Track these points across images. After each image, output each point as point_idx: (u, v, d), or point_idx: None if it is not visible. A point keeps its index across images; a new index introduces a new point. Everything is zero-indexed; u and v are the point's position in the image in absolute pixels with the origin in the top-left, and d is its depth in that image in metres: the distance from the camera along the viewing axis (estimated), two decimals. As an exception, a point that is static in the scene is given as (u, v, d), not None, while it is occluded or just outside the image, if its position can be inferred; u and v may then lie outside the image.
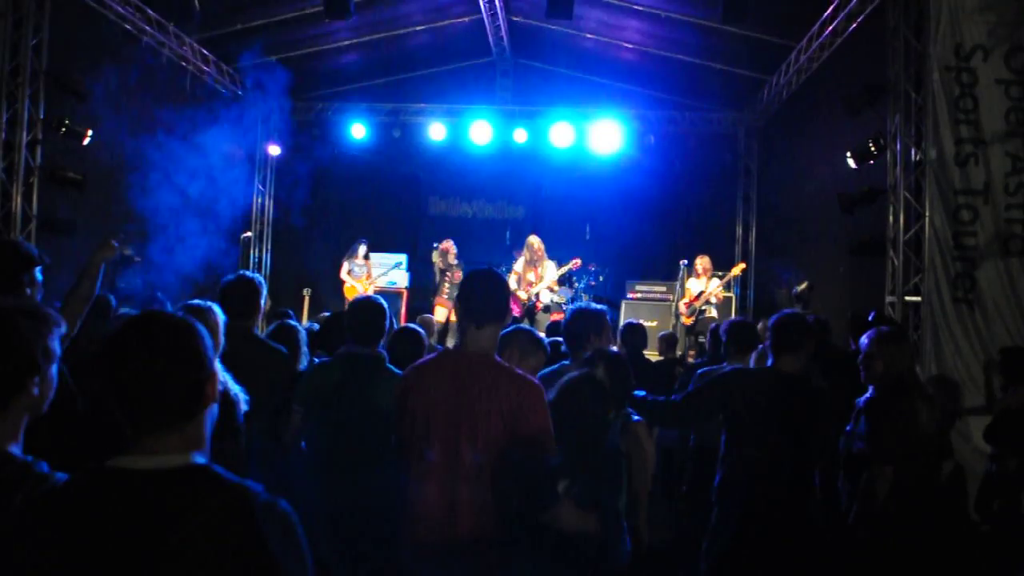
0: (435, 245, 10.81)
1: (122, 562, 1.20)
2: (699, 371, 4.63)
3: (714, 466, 3.55)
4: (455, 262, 10.24)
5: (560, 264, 9.74)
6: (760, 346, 4.26)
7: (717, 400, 3.46)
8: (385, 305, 3.62)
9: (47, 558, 1.22)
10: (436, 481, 2.52)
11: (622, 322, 8.90)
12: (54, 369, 1.64)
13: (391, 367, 3.50)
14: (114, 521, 1.23)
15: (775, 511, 3.22)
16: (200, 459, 1.34)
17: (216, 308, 3.06)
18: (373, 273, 10.71)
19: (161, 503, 1.24)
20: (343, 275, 10.59)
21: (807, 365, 3.51)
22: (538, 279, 9.51)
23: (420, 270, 11.68)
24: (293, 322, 4.63)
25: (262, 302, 3.81)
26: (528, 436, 2.45)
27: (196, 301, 3.04)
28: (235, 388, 2.88)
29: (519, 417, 2.46)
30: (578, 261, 9.81)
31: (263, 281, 3.90)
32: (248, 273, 3.82)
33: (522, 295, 9.32)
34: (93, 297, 3.28)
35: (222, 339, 3.03)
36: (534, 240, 9.63)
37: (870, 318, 5.37)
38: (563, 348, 3.78)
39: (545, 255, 9.64)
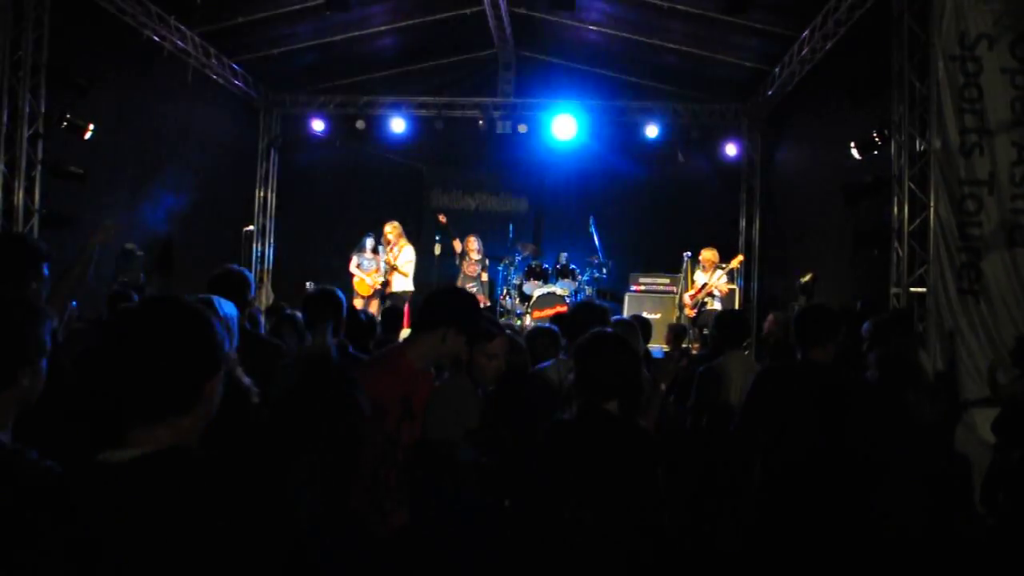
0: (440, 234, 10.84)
1: (98, 555, 1.19)
2: (699, 368, 4.59)
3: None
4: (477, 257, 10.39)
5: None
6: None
7: (766, 415, 3.26)
8: (339, 293, 3.59)
9: (30, 555, 1.21)
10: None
11: (626, 314, 8.87)
12: (44, 362, 1.66)
13: (355, 353, 3.53)
14: (91, 516, 1.21)
15: (824, 514, 3.06)
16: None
17: (226, 302, 3.02)
18: (382, 267, 10.70)
19: (134, 490, 1.21)
20: (352, 268, 10.58)
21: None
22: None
23: (423, 262, 11.66)
24: (294, 312, 4.65)
25: (251, 295, 3.80)
26: None
27: (204, 295, 3.02)
28: (247, 380, 2.83)
29: None
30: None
31: (250, 274, 3.90)
32: (235, 266, 3.79)
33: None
34: (86, 279, 3.35)
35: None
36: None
37: (859, 307, 5.32)
38: (563, 342, 3.75)
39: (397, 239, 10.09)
